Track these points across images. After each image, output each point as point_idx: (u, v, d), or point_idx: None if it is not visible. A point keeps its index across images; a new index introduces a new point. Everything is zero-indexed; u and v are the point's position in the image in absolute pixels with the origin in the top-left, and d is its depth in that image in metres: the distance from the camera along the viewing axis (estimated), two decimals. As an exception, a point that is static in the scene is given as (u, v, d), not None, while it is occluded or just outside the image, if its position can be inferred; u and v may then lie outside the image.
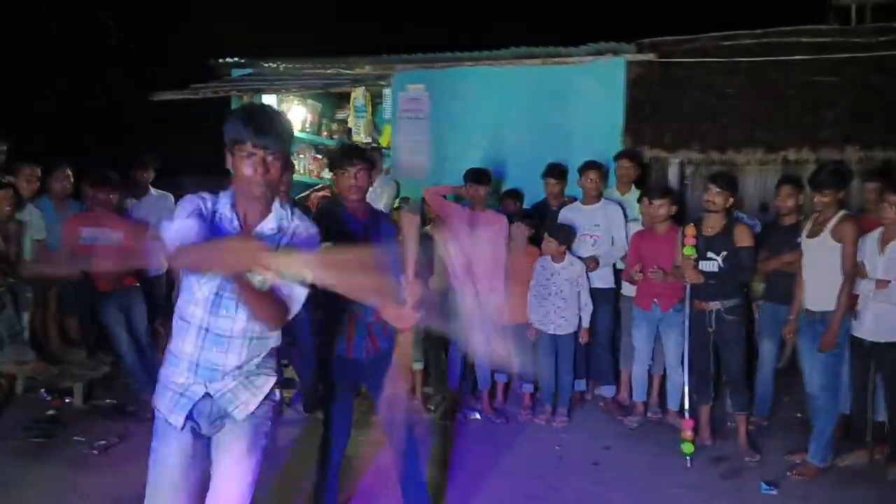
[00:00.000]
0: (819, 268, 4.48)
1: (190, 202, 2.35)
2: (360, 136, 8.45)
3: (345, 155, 3.62)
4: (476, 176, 5.67)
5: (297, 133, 8.48)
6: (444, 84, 7.23)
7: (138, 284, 5.61)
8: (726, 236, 4.80)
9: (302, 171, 8.70)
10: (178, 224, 2.28)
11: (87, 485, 4.13)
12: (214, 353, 2.43)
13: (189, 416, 2.43)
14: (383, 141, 8.30)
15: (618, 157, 6.06)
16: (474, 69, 7.13)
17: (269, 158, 2.33)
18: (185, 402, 2.43)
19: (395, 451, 3.68)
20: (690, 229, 4.80)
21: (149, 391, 5.29)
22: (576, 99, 6.78)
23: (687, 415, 4.76)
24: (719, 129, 6.49)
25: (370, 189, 7.31)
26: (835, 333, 4.37)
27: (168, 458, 2.44)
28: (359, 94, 8.19)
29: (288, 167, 5.24)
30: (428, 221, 5.73)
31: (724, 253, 4.77)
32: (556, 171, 5.99)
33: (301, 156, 8.76)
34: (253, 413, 2.49)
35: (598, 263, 5.55)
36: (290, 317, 2.42)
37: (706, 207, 4.85)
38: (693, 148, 6.49)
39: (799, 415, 5.35)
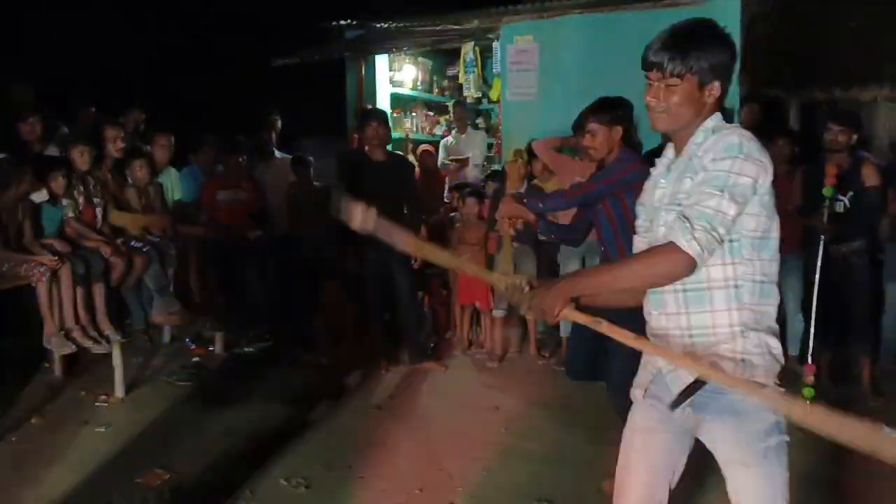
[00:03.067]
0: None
1: None
2: (471, 92, 8.52)
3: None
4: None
5: (408, 91, 8.68)
6: (552, 34, 7.16)
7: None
8: (852, 175, 4.61)
9: (415, 129, 8.90)
10: None
11: (230, 419, 4.53)
12: (653, 314, 1.94)
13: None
14: (493, 95, 8.34)
15: (745, 101, 5.84)
16: (582, 16, 7.01)
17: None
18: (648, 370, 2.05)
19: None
20: (832, 168, 4.49)
21: (290, 336, 5.69)
22: (690, 41, 6.56)
23: (809, 359, 4.64)
24: (843, 66, 6.17)
25: (461, 139, 7.43)
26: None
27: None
28: (469, 49, 8.24)
29: (383, 122, 5.38)
30: (533, 176, 5.76)
31: (851, 193, 4.61)
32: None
33: (413, 114, 8.95)
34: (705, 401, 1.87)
35: None
36: None
37: (828, 147, 4.67)
38: (815, 86, 6.22)
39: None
